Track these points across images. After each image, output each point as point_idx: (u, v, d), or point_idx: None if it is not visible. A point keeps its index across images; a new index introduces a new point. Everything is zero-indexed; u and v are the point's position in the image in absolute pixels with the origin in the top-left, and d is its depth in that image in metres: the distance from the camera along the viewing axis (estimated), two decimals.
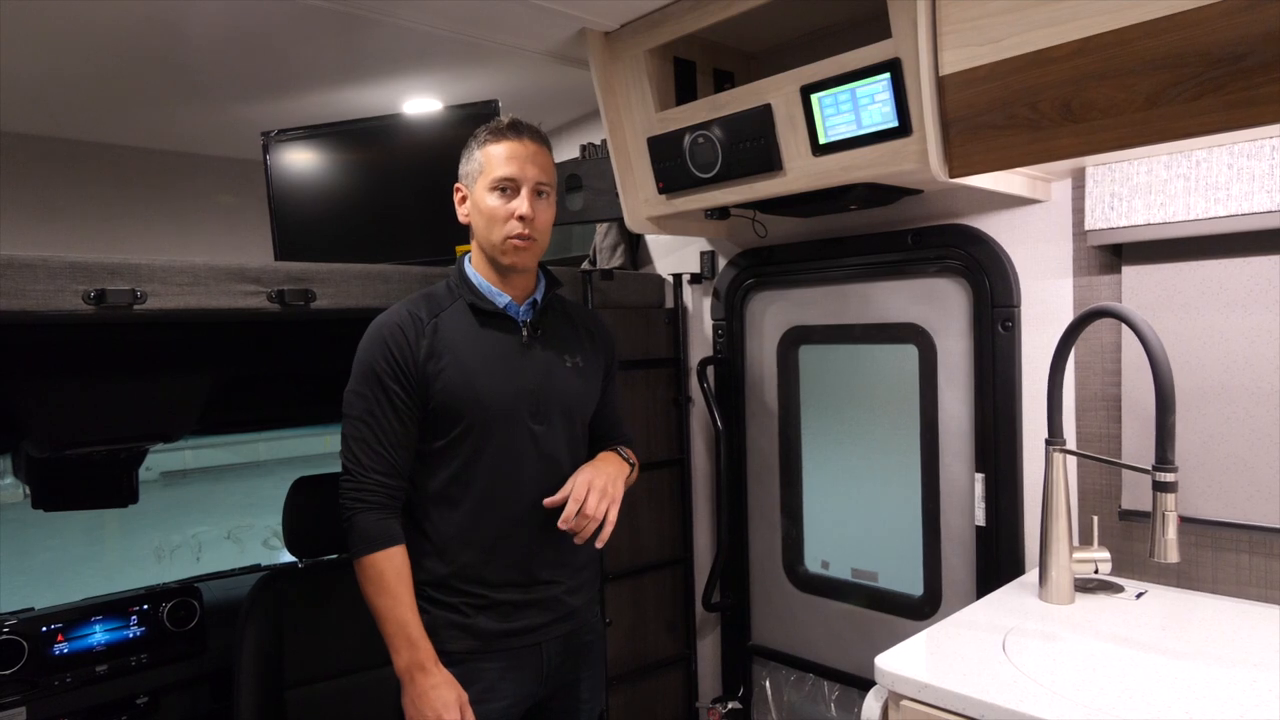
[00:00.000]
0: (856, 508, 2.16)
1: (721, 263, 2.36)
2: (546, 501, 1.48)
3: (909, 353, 1.98)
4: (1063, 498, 1.51)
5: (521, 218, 1.48)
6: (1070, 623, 1.42)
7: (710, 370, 2.35)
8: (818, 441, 2.23)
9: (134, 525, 9.81)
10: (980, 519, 1.84)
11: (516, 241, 1.49)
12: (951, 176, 1.43)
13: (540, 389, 1.54)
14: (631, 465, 1.63)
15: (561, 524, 1.44)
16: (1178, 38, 1.13)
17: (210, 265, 1.63)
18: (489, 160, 1.51)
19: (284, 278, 1.71)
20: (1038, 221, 1.72)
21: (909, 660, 1.28)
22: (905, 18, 1.43)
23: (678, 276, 2.44)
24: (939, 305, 1.91)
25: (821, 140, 1.67)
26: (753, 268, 2.27)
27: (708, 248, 2.40)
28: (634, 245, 2.57)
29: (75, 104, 2.42)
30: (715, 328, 2.37)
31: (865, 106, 1.60)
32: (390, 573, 1.43)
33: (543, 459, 1.53)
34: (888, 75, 1.52)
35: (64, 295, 1.46)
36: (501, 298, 1.55)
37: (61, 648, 2.29)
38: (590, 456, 1.63)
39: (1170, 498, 1.28)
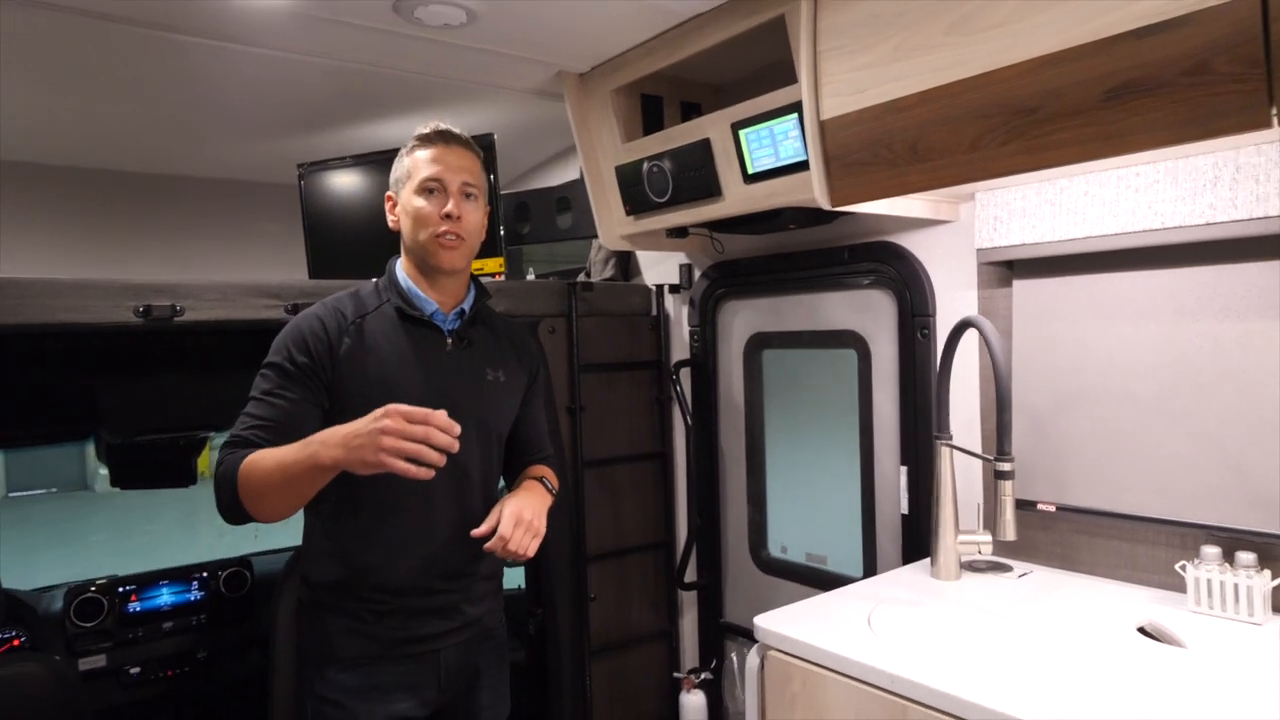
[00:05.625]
0: (810, 497, 2.37)
1: (697, 274, 2.60)
2: (474, 532, 1.45)
3: (850, 357, 2.19)
4: (949, 487, 1.70)
5: (448, 215, 1.50)
6: (942, 595, 1.62)
7: (687, 372, 2.60)
8: (778, 437, 2.45)
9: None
10: (904, 507, 2.03)
11: (445, 240, 1.50)
12: (833, 206, 1.64)
13: (457, 400, 1.49)
14: (554, 495, 1.64)
15: (486, 548, 1.44)
16: (990, 93, 1.33)
17: (237, 283, 1.97)
18: (416, 165, 1.53)
19: (298, 292, 2.04)
20: (949, 239, 1.91)
21: (780, 620, 1.50)
22: (804, 67, 1.65)
23: (660, 287, 2.69)
24: (872, 314, 2.12)
25: (749, 170, 1.90)
26: (721, 279, 2.50)
27: (686, 261, 2.64)
28: (625, 259, 2.84)
29: (134, 142, 2.83)
30: (691, 333, 2.62)
31: (781, 141, 1.82)
32: (253, 460, 1.35)
33: (453, 470, 1.47)
34: (796, 115, 1.74)
35: (118, 310, 1.82)
36: (429, 304, 1.55)
37: (135, 606, 2.67)
38: (509, 470, 1.69)
39: (1008, 484, 1.47)
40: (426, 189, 1.52)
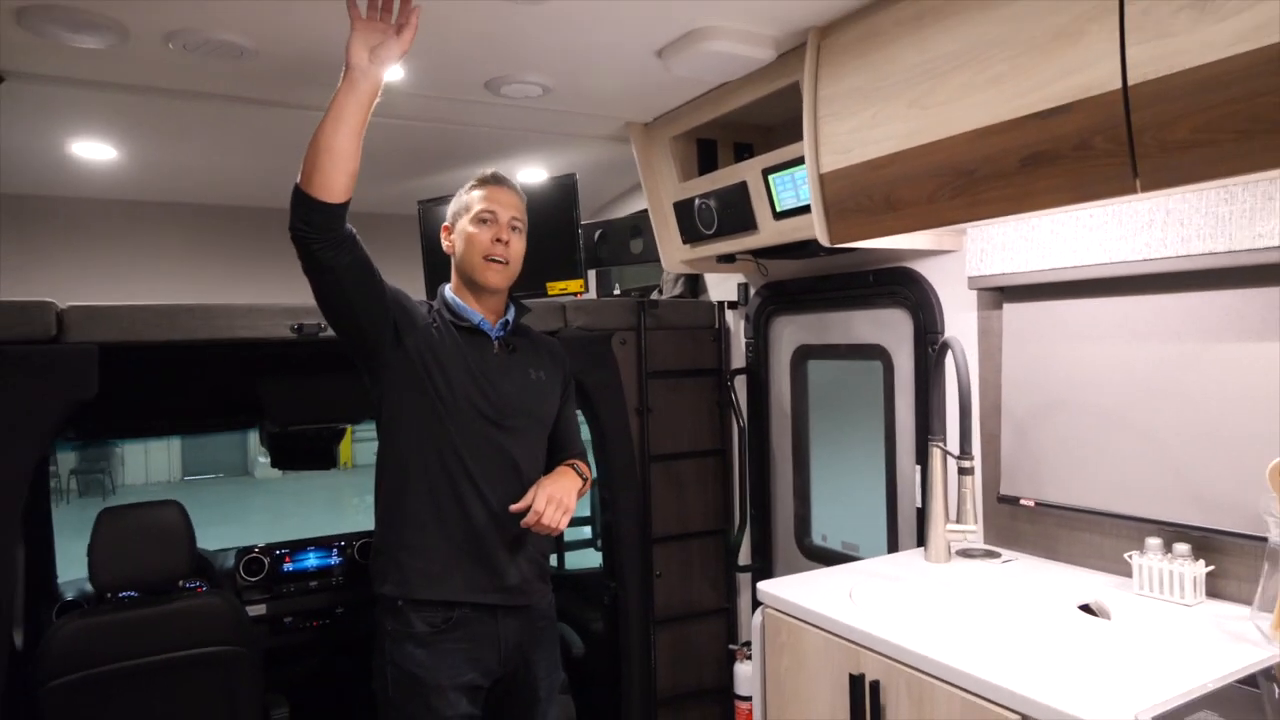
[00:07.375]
0: (846, 492, 2.66)
1: (752, 292, 2.93)
2: (511, 508, 1.71)
3: (877, 368, 2.47)
4: (939, 482, 1.97)
5: (498, 240, 1.81)
6: (926, 575, 1.89)
7: (742, 380, 2.93)
8: (820, 438, 2.75)
9: (366, 501, 11.74)
10: (918, 501, 2.30)
11: (494, 263, 1.81)
12: (832, 244, 1.95)
13: (508, 395, 1.80)
14: (585, 479, 1.86)
15: (523, 524, 1.70)
16: (940, 157, 1.61)
17: None
18: (473, 200, 1.86)
19: None
20: (954, 267, 2.17)
21: (777, 585, 1.83)
22: (808, 128, 1.97)
23: (721, 303, 3.03)
24: (893, 330, 2.39)
25: (778, 209, 2.23)
26: (772, 297, 2.82)
27: (744, 280, 2.98)
28: (693, 279, 3.20)
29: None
30: (747, 345, 2.95)
31: (801, 185, 2.14)
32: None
33: (502, 458, 1.79)
34: None
35: (279, 327, 2.34)
36: (475, 315, 1.85)
37: (287, 566, 3.24)
38: (548, 466, 1.90)
39: (968, 479, 1.74)
40: (481, 219, 1.83)
